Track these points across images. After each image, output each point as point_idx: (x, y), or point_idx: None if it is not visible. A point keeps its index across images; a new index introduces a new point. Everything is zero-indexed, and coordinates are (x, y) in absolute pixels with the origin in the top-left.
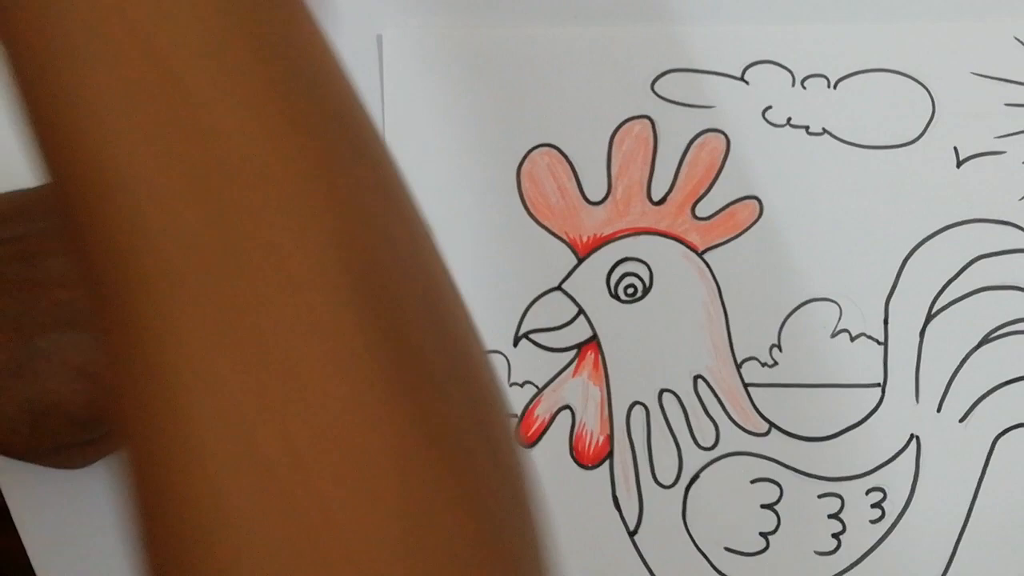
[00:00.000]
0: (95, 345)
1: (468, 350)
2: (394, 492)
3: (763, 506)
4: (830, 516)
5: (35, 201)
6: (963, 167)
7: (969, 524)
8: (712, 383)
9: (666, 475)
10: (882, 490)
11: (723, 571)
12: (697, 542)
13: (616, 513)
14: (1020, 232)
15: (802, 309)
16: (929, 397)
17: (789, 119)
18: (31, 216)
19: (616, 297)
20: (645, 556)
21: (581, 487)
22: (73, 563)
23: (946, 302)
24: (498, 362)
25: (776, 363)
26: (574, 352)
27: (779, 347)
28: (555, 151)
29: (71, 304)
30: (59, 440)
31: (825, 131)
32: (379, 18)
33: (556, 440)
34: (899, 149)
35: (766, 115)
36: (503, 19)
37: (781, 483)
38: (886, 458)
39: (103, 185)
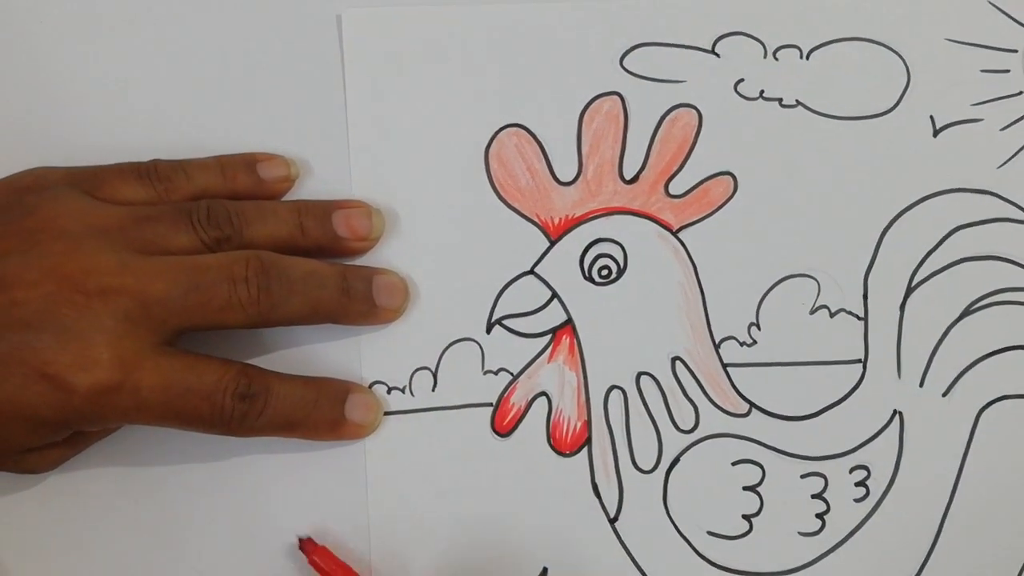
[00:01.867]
0: (54, 346)
1: None
2: None
3: (745, 488)
4: (814, 496)
5: None
6: (940, 136)
7: (955, 498)
8: (690, 364)
9: (646, 460)
10: (866, 468)
11: (706, 556)
12: (679, 527)
13: (596, 500)
14: (999, 201)
15: (780, 286)
16: (911, 372)
17: (762, 92)
18: None
19: (590, 279)
20: (626, 543)
21: (560, 475)
22: (42, 568)
23: (926, 274)
24: (472, 350)
25: (755, 342)
26: (549, 337)
27: (757, 326)
28: (523, 131)
29: (28, 304)
30: (21, 444)
31: (799, 103)
32: None
33: (533, 428)
34: (874, 119)
35: (738, 88)
36: None
37: (763, 464)
38: (869, 435)
39: None
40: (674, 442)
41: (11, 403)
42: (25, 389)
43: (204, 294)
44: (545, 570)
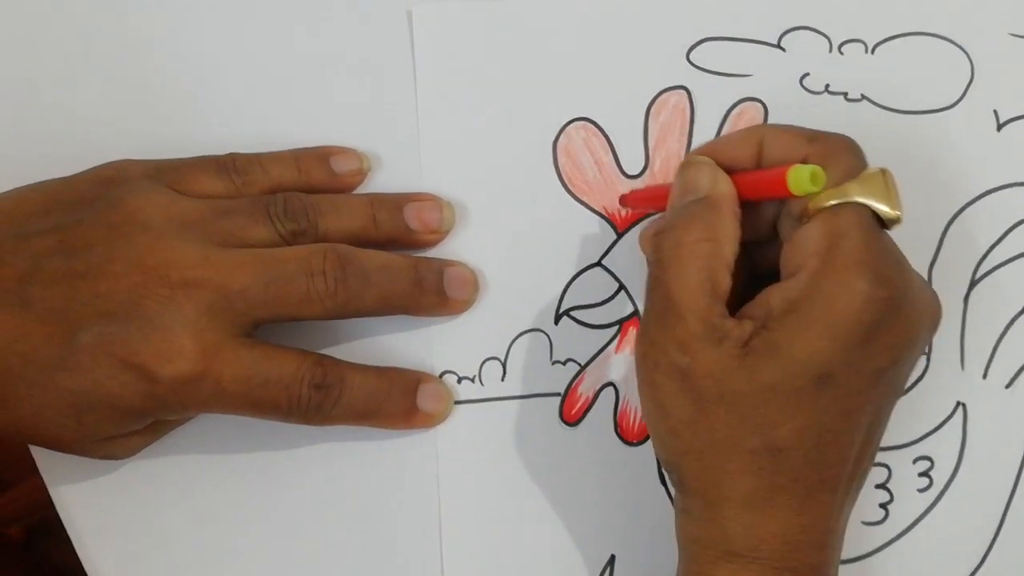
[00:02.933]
0: (139, 336)
1: None
2: None
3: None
4: (877, 486)
5: (72, 191)
6: (1003, 130)
7: (1018, 488)
8: None
9: None
10: (929, 458)
11: None
12: None
13: (662, 489)
14: None
15: None
16: (974, 364)
17: (827, 86)
18: (68, 207)
19: None
20: None
21: (627, 463)
22: (120, 552)
23: (989, 267)
24: (540, 340)
25: None
26: (616, 328)
27: None
28: (591, 125)
29: (112, 296)
30: (105, 432)
31: (864, 97)
32: None
33: (600, 418)
34: (938, 113)
35: (804, 82)
36: None
37: None
38: (933, 426)
39: None
40: None
41: (97, 391)
42: (111, 378)
43: (283, 287)
44: (613, 557)
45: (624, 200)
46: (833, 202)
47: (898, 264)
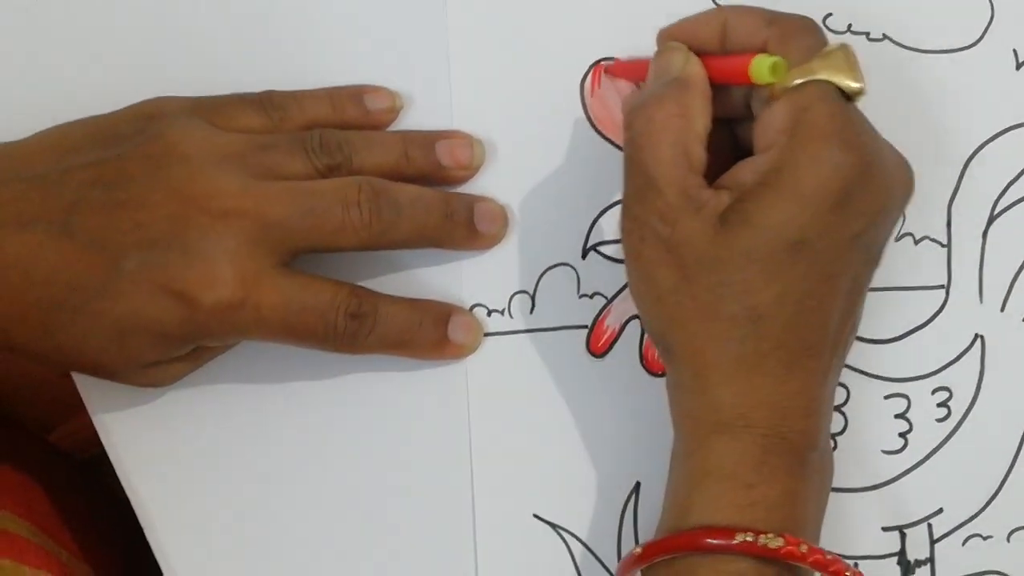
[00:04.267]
0: (180, 264)
1: None
2: None
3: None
4: (897, 416)
5: (113, 126)
6: (1022, 69)
7: None
8: None
9: None
10: (948, 389)
11: None
12: None
13: None
14: None
15: None
16: (993, 297)
17: (850, 25)
18: (109, 141)
19: None
20: None
21: (652, 394)
22: (162, 479)
23: (1008, 203)
24: (568, 274)
25: None
26: None
27: None
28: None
29: (153, 225)
30: (147, 358)
31: (885, 36)
32: None
33: (627, 349)
34: (959, 53)
35: (827, 22)
36: None
37: (848, 385)
38: (951, 358)
39: None
40: None
41: (139, 317)
42: (152, 304)
43: (319, 217)
44: (638, 484)
45: (610, 70)
46: (797, 81)
47: (865, 132)
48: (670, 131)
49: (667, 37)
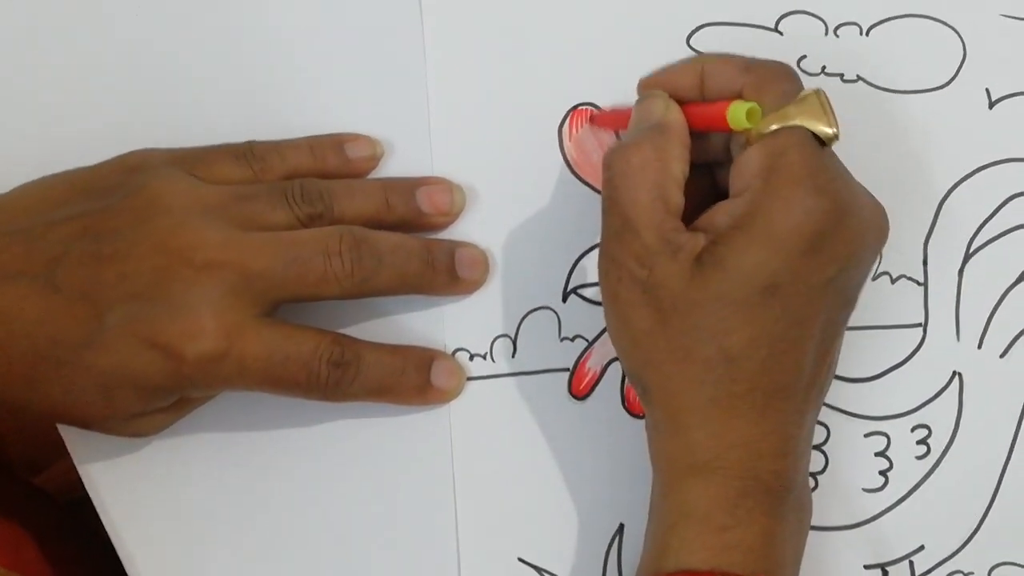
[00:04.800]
0: (164, 317)
1: None
2: None
3: (811, 447)
4: (877, 454)
5: (97, 179)
6: (995, 108)
7: (1013, 454)
8: None
9: None
10: (927, 427)
11: None
12: None
13: None
14: None
15: None
16: (969, 334)
17: (824, 68)
18: (94, 194)
19: None
20: None
21: (634, 436)
22: (147, 527)
23: (983, 241)
24: (549, 317)
25: None
26: None
27: None
28: (595, 109)
29: (137, 277)
30: (131, 410)
31: (859, 78)
32: None
33: (608, 391)
34: (932, 93)
35: (801, 65)
36: None
37: (828, 424)
38: (930, 395)
39: None
40: None
41: (123, 370)
42: (137, 357)
43: (302, 267)
44: (622, 526)
45: (594, 120)
46: (773, 127)
47: (839, 177)
48: (648, 173)
49: (648, 86)
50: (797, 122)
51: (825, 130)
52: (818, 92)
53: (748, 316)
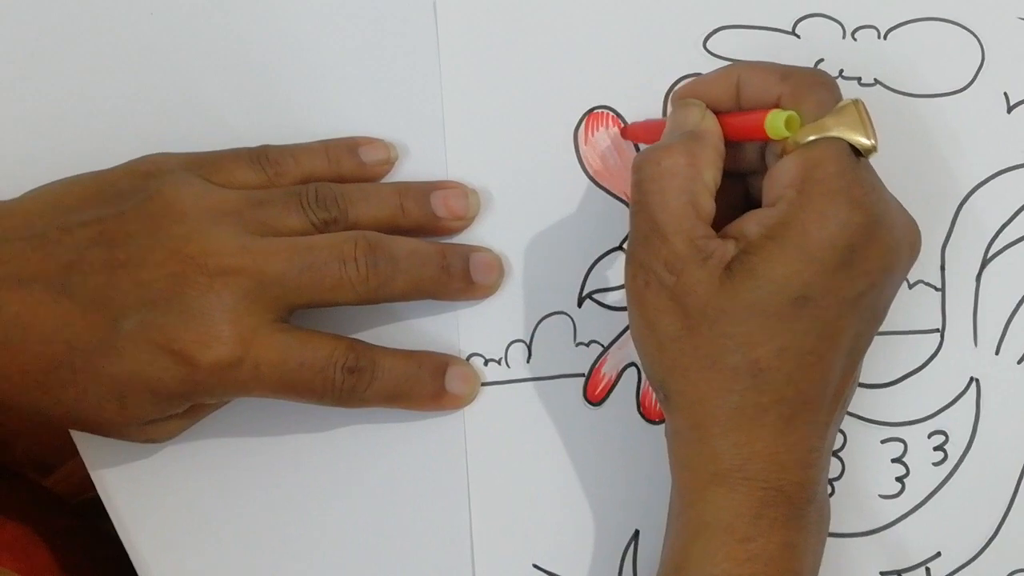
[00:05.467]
0: (179, 323)
1: None
2: None
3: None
4: (894, 460)
5: (111, 183)
6: (1013, 112)
7: None
8: None
9: None
10: (944, 433)
11: None
12: None
13: None
14: None
15: None
16: (987, 340)
17: (841, 71)
18: (108, 199)
19: None
20: None
21: (649, 442)
22: (159, 532)
23: (1001, 246)
24: (564, 323)
25: None
26: None
27: None
28: (611, 112)
29: (152, 284)
30: (145, 416)
31: (877, 82)
32: None
33: (624, 397)
34: (950, 97)
35: (818, 68)
36: None
37: (845, 430)
38: (947, 401)
39: None
40: None
41: (139, 377)
42: (152, 364)
43: (317, 273)
44: (637, 532)
45: (625, 133)
46: (811, 137)
47: (875, 191)
48: (678, 178)
49: (682, 96)
50: (834, 133)
51: (863, 141)
52: (856, 102)
53: (777, 327)
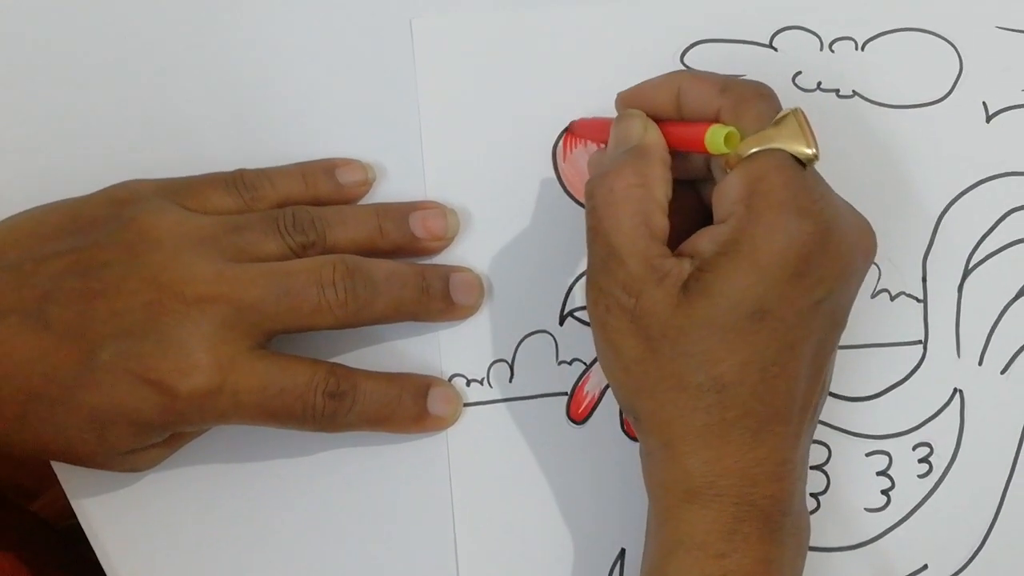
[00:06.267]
0: (156, 353)
1: None
2: None
3: (813, 467)
4: (879, 473)
5: (86, 211)
6: (993, 121)
7: (1016, 471)
8: None
9: None
10: (929, 445)
11: None
12: None
13: None
14: None
15: None
16: (970, 351)
17: (819, 83)
18: (83, 228)
19: None
20: None
21: (633, 460)
22: (141, 561)
23: (982, 256)
24: (546, 341)
25: None
26: None
27: None
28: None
29: (128, 313)
30: (125, 446)
31: (855, 93)
32: (409, 5)
33: (607, 415)
34: (929, 107)
35: (796, 80)
36: (530, 0)
37: (829, 444)
38: (931, 413)
39: None
40: None
41: (116, 407)
42: (130, 394)
43: (295, 299)
44: (623, 551)
45: (572, 127)
46: (753, 150)
47: (822, 198)
48: (631, 201)
49: (625, 100)
50: (776, 144)
51: (804, 151)
52: (796, 112)
53: (737, 342)
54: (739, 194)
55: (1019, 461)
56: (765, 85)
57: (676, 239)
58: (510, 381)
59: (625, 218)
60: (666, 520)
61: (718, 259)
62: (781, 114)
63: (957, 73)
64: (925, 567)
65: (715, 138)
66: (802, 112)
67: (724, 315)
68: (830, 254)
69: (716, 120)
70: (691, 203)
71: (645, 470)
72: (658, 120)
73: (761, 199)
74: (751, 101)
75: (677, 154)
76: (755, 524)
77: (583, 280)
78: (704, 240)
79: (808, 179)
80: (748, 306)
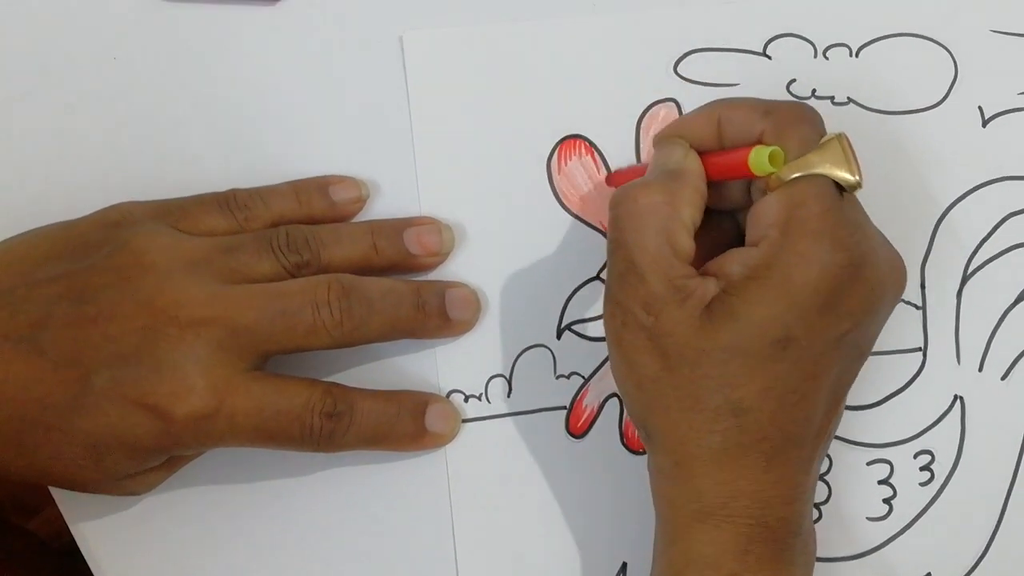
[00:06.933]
0: (151, 378)
1: None
2: None
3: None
4: (880, 482)
5: (79, 235)
6: (989, 126)
7: (1018, 477)
8: None
9: None
10: (930, 452)
11: None
12: None
13: None
14: None
15: None
16: (970, 357)
17: (814, 91)
18: (76, 252)
19: None
20: None
21: (633, 473)
22: None
23: (981, 262)
24: (544, 355)
25: None
26: None
27: None
28: (583, 141)
29: (123, 338)
30: (122, 471)
31: (850, 100)
32: (399, 20)
33: (606, 428)
34: (924, 112)
35: (791, 88)
36: (521, 13)
37: (830, 454)
38: (932, 421)
39: None
40: None
41: (112, 433)
42: (126, 420)
43: (290, 319)
44: (625, 565)
45: (609, 180)
46: (795, 175)
47: (858, 230)
48: (655, 217)
49: (665, 136)
50: (818, 170)
51: (848, 178)
52: (840, 137)
53: (758, 369)
54: (776, 218)
55: (1021, 467)
56: (810, 108)
57: (705, 261)
58: (508, 396)
59: (649, 234)
60: (676, 539)
61: (747, 283)
62: (825, 139)
63: (952, 78)
64: (929, 575)
65: (759, 158)
66: (846, 137)
67: (748, 341)
68: (860, 288)
69: (760, 144)
70: (730, 232)
71: (654, 485)
72: (700, 152)
73: (798, 226)
74: (795, 125)
75: (718, 184)
76: (767, 545)
77: (579, 293)
78: (734, 262)
79: (847, 209)
80: (773, 333)
